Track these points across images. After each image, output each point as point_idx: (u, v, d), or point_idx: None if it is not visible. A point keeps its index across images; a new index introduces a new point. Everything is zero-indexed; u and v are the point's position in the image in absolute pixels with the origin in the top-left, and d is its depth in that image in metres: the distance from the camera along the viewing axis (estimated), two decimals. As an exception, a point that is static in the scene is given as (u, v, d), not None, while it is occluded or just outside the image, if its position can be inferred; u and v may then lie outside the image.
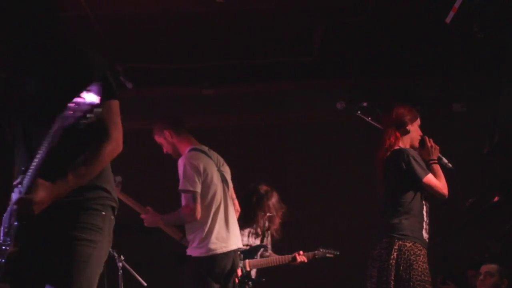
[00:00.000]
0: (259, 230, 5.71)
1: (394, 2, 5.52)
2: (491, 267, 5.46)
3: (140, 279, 5.24)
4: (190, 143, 4.74)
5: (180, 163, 4.60)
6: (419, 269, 3.98)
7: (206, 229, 4.57)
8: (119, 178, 4.60)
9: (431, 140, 4.38)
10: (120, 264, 5.14)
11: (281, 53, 6.55)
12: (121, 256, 5.16)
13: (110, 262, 5.20)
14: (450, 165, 4.41)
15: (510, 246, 5.98)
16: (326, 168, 7.04)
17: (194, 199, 4.51)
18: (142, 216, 4.69)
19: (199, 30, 5.98)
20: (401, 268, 3.96)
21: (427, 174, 4.16)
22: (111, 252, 5.11)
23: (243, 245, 5.45)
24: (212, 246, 4.55)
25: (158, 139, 4.84)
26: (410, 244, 4.02)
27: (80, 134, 2.38)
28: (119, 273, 5.15)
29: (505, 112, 6.23)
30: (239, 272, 5.09)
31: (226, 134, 6.97)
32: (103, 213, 2.55)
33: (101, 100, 2.35)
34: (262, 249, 5.67)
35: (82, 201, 2.49)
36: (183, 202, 4.59)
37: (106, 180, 2.60)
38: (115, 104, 2.55)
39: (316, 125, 7.15)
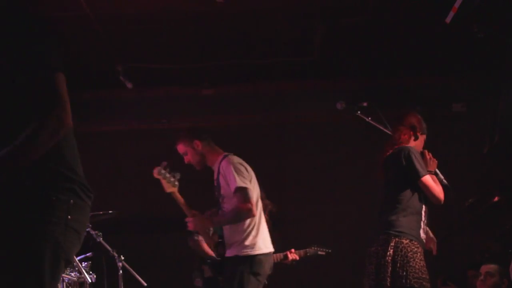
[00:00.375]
0: None
1: (394, 2, 5.52)
2: (492, 267, 5.46)
3: (140, 279, 5.24)
4: (220, 151, 4.78)
5: (227, 165, 4.57)
6: (417, 266, 3.98)
7: (256, 229, 4.58)
8: (177, 175, 4.60)
9: (430, 154, 4.40)
10: (120, 264, 5.14)
11: (281, 53, 6.55)
12: (121, 256, 5.16)
13: (110, 262, 5.20)
14: (445, 181, 4.43)
15: (510, 246, 5.98)
16: (325, 168, 7.04)
17: (250, 196, 4.49)
18: (187, 219, 4.60)
19: (199, 30, 5.99)
20: (398, 265, 3.96)
21: (426, 174, 4.17)
22: (111, 252, 5.12)
23: None
24: (261, 245, 4.55)
25: (185, 148, 4.78)
26: (407, 241, 4.03)
27: (9, 113, 2.23)
28: (119, 273, 5.14)
29: (505, 112, 6.23)
30: None
31: (226, 134, 6.97)
32: (54, 198, 2.25)
33: (34, 74, 2.18)
34: None
35: (30, 187, 2.24)
36: (237, 199, 4.52)
37: (61, 160, 2.33)
38: (55, 77, 2.32)
39: (316, 125, 7.15)
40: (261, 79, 7.13)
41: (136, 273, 5.28)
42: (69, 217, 2.27)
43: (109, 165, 7.07)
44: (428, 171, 4.28)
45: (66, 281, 4.33)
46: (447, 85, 7.14)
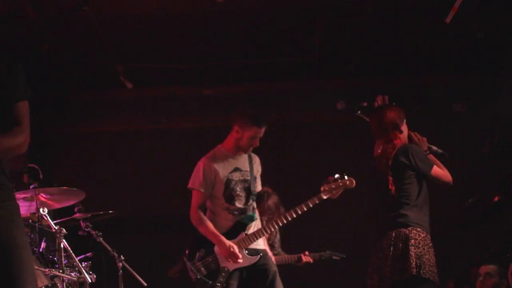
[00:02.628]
0: None
1: (394, 2, 5.52)
2: (491, 268, 5.45)
3: (140, 279, 5.24)
4: None
5: None
6: (431, 260, 4.03)
7: None
8: None
9: (417, 134, 4.43)
10: (120, 264, 5.13)
11: (281, 53, 6.56)
12: (121, 256, 5.15)
13: (110, 262, 5.20)
14: (440, 150, 4.46)
15: (510, 246, 5.98)
16: (326, 168, 7.03)
17: None
18: None
19: (199, 30, 5.99)
20: (414, 255, 3.98)
21: (432, 167, 4.23)
22: (111, 252, 5.11)
23: None
24: None
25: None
26: (424, 234, 4.07)
27: None
28: (119, 273, 5.14)
29: (505, 112, 6.24)
30: None
31: (226, 134, 6.96)
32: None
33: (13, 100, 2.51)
34: None
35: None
36: None
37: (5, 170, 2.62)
38: (25, 105, 2.62)
39: (316, 125, 7.15)
40: (261, 79, 7.12)
41: (136, 273, 5.27)
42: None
43: (109, 165, 7.07)
44: (423, 151, 4.32)
45: (66, 281, 4.32)
46: (447, 85, 7.14)
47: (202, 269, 4.52)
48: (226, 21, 5.83)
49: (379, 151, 4.42)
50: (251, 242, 4.61)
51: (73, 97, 7.20)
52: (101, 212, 5.06)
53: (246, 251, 4.60)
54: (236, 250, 4.48)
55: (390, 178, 4.32)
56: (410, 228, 4.05)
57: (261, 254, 4.61)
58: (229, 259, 4.48)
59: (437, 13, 5.12)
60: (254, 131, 4.68)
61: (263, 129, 4.74)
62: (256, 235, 4.62)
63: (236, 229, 4.62)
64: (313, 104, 7.12)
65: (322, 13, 5.71)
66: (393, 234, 4.10)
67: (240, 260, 4.49)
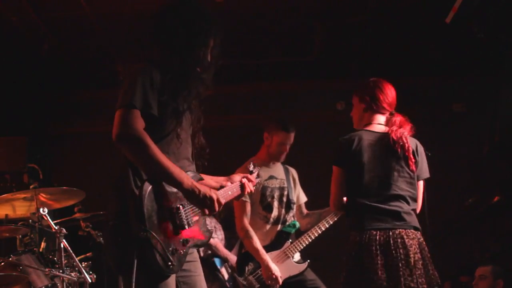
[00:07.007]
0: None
1: (394, 2, 5.52)
2: (484, 269, 5.42)
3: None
4: None
5: None
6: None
7: None
8: None
9: None
10: (120, 264, 5.12)
11: (281, 53, 6.55)
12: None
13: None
14: None
15: (510, 246, 5.98)
16: (325, 168, 7.02)
17: None
18: None
19: (199, 30, 5.98)
20: (427, 261, 3.64)
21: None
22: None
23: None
24: None
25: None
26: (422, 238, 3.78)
27: None
28: (119, 273, 5.13)
29: (505, 112, 6.23)
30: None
31: (226, 134, 6.96)
32: None
33: None
34: None
35: None
36: None
37: None
38: None
39: (316, 125, 7.15)
40: (261, 79, 7.12)
41: (136, 273, 5.25)
42: None
43: (109, 165, 7.06)
44: None
45: (66, 281, 4.32)
46: (447, 85, 7.14)
47: (254, 282, 4.48)
48: (226, 21, 5.82)
49: None
50: (297, 250, 4.60)
51: (73, 97, 7.19)
52: (101, 212, 5.05)
53: (294, 260, 4.59)
54: (279, 275, 4.40)
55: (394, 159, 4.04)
56: (417, 233, 3.78)
57: (308, 261, 4.60)
58: (268, 281, 4.39)
59: (437, 13, 5.12)
60: (282, 136, 4.67)
61: (292, 135, 4.73)
62: (301, 242, 4.61)
63: (280, 239, 4.61)
64: (313, 104, 7.11)
65: (322, 13, 5.71)
66: (408, 234, 3.78)
67: (280, 280, 4.44)
